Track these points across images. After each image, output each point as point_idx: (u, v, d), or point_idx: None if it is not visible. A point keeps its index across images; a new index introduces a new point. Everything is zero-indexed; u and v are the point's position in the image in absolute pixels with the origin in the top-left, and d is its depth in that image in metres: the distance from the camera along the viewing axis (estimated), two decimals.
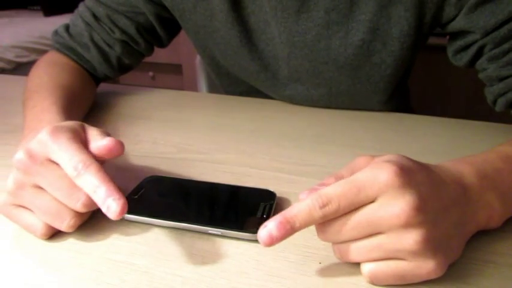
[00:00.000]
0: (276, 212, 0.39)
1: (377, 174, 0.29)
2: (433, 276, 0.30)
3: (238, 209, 0.39)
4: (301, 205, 0.29)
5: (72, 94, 0.57)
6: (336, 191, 0.29)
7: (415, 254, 0.29)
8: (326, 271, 0.32)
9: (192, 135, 0.57)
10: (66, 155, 0.34)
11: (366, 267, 0.31)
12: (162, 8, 0.64)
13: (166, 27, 0.67)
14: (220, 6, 0.59)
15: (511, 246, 0.36)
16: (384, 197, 0.28)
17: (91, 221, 0.38)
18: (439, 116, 0.62)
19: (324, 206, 0.29)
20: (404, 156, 0.32)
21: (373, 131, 0.58)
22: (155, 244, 0.36)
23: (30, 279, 0.32)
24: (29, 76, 0.62)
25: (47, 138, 0.35)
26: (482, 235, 0.36)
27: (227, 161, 0.50)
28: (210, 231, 0.37)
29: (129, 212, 0.37)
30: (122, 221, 0.38)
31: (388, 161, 0.30)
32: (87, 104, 0.63)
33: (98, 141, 0.37)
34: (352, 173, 0.32)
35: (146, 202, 0.40)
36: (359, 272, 0.32)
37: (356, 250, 0.30)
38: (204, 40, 0.66)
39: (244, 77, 0.69)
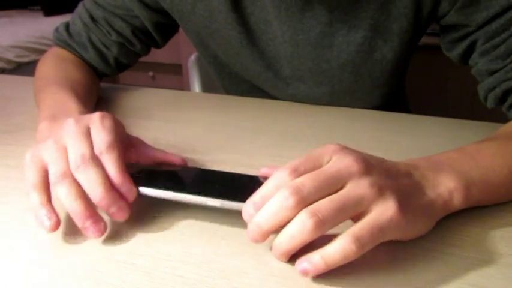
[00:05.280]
0: None
1: (326, 146, 0.36)
2: (401, 222, 0.32)
3: (238, 184, 0.39)
4: (272, 177, 0.33)
5: (85, 88, 0.61)
6: (299, 160, 0.34)
7: (375, 196, 0.32)
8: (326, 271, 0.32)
9: (192, 135, 0.57)
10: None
11: (346, 238, 0.30)
12: (157, 14, 0.65)
13: (161, 32, 0.69)
14: (219, 7, 0.59)
15: (511, 246, 0.36)
16: (336, 156, 0.34)
17: None
18: (439, 116, 0.62)
19: (292, 171, 0.33)
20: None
21: (373, 131, 0.58)
22: (155, 244, 0.36)
23: (30, 279, 0.32)
24: (39, 68, 0.65)
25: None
26: (483, 235, 0.36)
27: (227, 161, 0.50)
28: (209, 203, 0.37)
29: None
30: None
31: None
32: (95, 99, 0.65)
33: (168, 155, 0.44)
34: None
35: (146, 179, 0.39)
36: (359, 272, 0.32)
37: (328, 211, 0.31)
38: (205, 40, 0.66)
39: (246, 76, 0.69)
